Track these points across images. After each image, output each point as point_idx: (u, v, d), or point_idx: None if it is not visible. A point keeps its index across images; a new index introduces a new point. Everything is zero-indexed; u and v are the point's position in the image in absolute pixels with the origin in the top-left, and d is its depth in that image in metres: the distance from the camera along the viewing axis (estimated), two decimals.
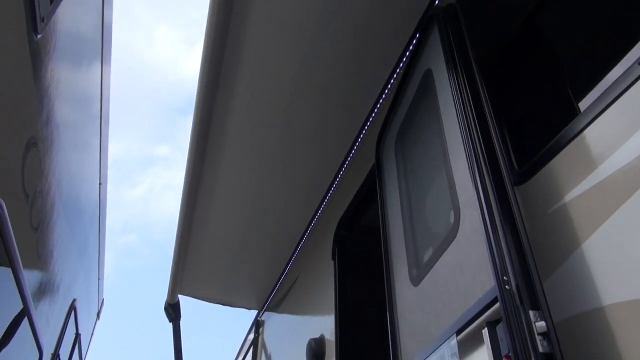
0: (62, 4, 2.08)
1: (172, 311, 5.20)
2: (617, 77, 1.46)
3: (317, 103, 3.29)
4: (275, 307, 5.23)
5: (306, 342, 3.57)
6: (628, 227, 1.31)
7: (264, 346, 5.41)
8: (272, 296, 5.34)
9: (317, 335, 3.54)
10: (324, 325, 3.52)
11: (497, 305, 1.42)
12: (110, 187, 4.15)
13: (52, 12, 1.70)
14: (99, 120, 3.64)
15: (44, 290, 2.52)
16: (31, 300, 2.27)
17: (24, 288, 2.08)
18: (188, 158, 3.37)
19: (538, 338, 1.26)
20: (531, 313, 1.30)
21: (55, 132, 2.37)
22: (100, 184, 3.46)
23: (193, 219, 4.01)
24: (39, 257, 2.21)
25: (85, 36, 2.93)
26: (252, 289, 5.52)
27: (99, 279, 4.60)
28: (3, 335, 2.09)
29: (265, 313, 5.62)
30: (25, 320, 2.31)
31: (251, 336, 5.85)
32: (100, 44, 3.37)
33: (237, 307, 5.97)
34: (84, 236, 3.32)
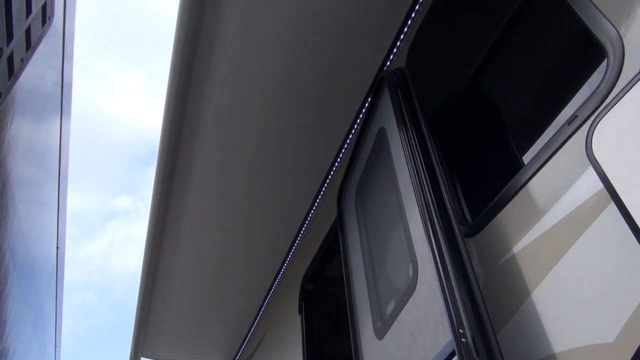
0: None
1: None
2: (552, 135, 1.58)
3: (279, 159, 3.37)
4: None
5: None
6: (572, 274, 1.39)
7: None
8: (240, 354, 5.19)
9: None
10: None
11: (455, 358, 1.45)
12: (68, 243, 4.04)
13: (10, 87, 1.72)
14: (57, 176, 3.58)
15: None
16: None
17: None
18: (151, 212, 3.35)
19: None
20: None
21: (10, 194, 2.33)
22: (57, 247, 3.37)
23: (156, 275, 3.93)
24: None
25: (45, 93, 2.95)
26: (219, 347, 5.36)
27: (55, 345, 4.38)
28: None
29: None
30: None
31: None
32: (60, 100, 3.38)
33: None
34: (39, 304, 3.19)
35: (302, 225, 3.83)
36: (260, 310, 4.61)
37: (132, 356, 4.87)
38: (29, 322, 2.92)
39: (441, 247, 1.67)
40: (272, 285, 4.35)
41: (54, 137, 3.43)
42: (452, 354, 1.47)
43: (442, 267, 1.62)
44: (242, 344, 5.07)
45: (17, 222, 2.26)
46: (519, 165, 2.15)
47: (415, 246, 1.92)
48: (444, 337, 1.56)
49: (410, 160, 1.97)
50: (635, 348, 1.18)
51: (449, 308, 1.51)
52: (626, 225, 1.22)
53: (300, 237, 3.90)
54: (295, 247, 3.98)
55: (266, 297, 4.47)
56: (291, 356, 3.57)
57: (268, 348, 4.31)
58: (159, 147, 3.02)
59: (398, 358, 1.91)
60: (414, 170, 1.93)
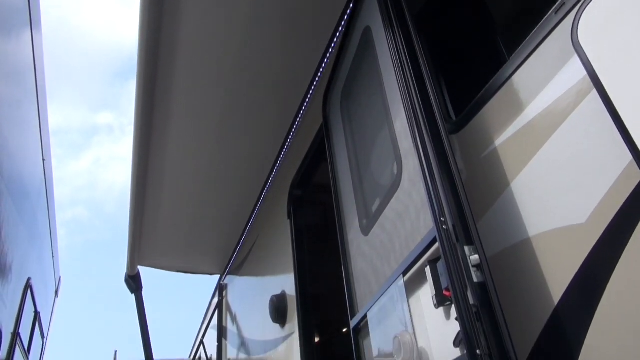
0: None
1: (133, 283, 5.19)
2: (538, 26, 1.56)
3: (263, 66, 3.29)
4: (236, 270, 5.33)
5: (269, 299, 3.70)
6: (549, 163, 1.44)
7: (228, 308, 5.53)
8: (233, 260, 5.42)
9: (278, 292, 3.67)
10: (285, 281, 3.65)
11: (436, 244, 1.54)
12: (53, 162, 4.02)
13: None
14: (35, 93, 3.49)
15: None
16: None
17: None
18: (135, 127, 3.32)
19: (473, 270, 1.39)
20: (466, 248, 1.42)
21: None
22: (44, 160, 3.35)
23: (146, 188, 3.98)
24: None
25: (11, 6, 2.78)
26: (213, 255, 5.57)
27: (53, 256, 4.51)
28: None
29: (228, 276, 5.71)
30: None
31: (215, 300, 5.95)
32: (28, 12, 3.20)
33: (199, 273, 6.03)
34: (32, 215, 3.25)
35: (289, 132, 3.84)
36: (251, 217, 4.75)
37: (128, 266, 5.04)
38: (25, 232, 2.99)
39: (425, 144, 1.70)
40: (261, 193, 4.44)
41: (26, 52, 3.28)
42: (434, 241, 1.56)
43: (426, 162, 1.66)
44: (235, 249, 5.27)
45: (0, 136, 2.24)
46: (505, 61, 2.14)
47: (400, 144, 1.96)
48: (426, 227, 1.64)
49: (396, 58, 1.94)
50: (604, 227, 1.25)
51: (432, 199, 1.57)
52: (606, 112, 1.24)
53: (287, 145, 3.92)
54: (283, 154, 4.02)
55: (256, 204, 4.58)
56: (282, 259, 3.74)
57: (260, 252, 4.50)
58: (138, 57, 2.91)
59: (383, 250, 2.02)
60: (399, 68, 1.91)
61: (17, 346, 3.20)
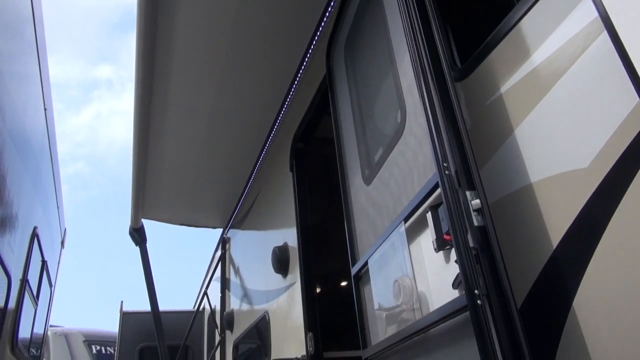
0: None
1: (137, 235, 5.27)
2: None
3: (265, 17, 3.21)
4: (239, 223, 5.39)
5: (271, 250, 3.76)
6: (554, 109, 1.43)
7: (231, 260, 5.63)
8: (236, 213, 5.47)
9: (280, 243, 3.72)
10: (287, 233, 3.70)
11: (438, 190, 1.55)
12: (53, 116, 3.99)
13: None
14: (34, 44, 3.43)
15: (1, 218, 2.52)
16: None
17: None
18: (136, 81, 3.28)
19: (473, 214, 1.40)
20: (468, 193, 1.43)
21: None
22: (45, 109, 3.33)
23: (148, 142, 3.97)
24: None
25: None
26: (215, 208, 5.63)
27: (57, 207, 4.57)
28: None
29: (231, 230, 5.78)
30: None
31: (218, 253, 6.05)
32: None
33: (202, 226, 6.11)
34: (36, 165, 3.26)
35: (291, 85, 3.80)
36: (253, 170, 4.76)
37: (132, 219, 5.10)
38: (29, 182, 3.00)
39: (430, 91, 1.68)
40: (264, 146, 4.43)
41: (24, 3, 3.20)
42: (436, 187, 1.57)
43: (430, 109, 1.65)
44: (238, 203, 5.32)
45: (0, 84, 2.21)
46: (513, 5, 2.08)
47: (404, 92, 1.94)
48: (429, 174, 1.64)
49: (402, 4, 1.89)
50: (607, 171, 1.26)
51: (435, 145, 1.57)
52: (616, 55, 1.22)
53: (290, 97, 3.88)
54: (286, 107, 3.99)
55: (258, 157, 4.59)
56: (284, 212, 3.78)
57: (262, 206, 4.54)
58: (137, 9, 2.83)
59: (385, 198, 2.03)
60: (405, 14, 1.86)
61: (26, 292, 3.29)
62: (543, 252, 1.39)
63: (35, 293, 3.69)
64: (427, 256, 1.68)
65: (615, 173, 1.23)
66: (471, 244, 1.37)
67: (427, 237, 1.65)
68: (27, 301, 3.41)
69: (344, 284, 5.51)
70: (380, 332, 2.02)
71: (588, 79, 1.33)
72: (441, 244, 1.53)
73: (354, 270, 2.29)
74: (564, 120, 1.40)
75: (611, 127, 1.25)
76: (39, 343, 4.52)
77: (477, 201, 1.42)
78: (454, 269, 1.50)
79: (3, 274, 2.62)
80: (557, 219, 1.38)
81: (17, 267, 2.98)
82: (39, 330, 4.30)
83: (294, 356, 3.18)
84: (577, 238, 1.33)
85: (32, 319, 3.79)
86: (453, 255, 1.51)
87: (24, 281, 3.16)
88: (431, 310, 1.60)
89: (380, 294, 1.99)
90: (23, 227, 3.03)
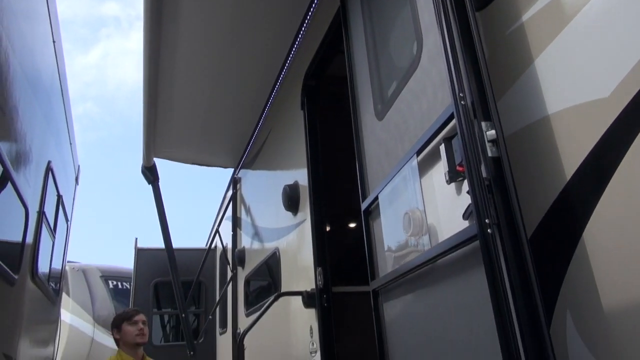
0: None
1: (150, 174, 5.32)
2: None
3: None
4: (250, 163, 5.41)
5: (281, 189, 3.79)
6: (577, 37, 1.37)
7: (242, 200, 5.70)
8: (247, 152, 5.48)
9: (291, 182, 3.75)
10: (297, 172, 3.71)
11: (453, 121, 1.52)
12: None
13: None
14: None
15: (16, 150, 2.55)
16: (7, 160, 2.31)
17: None
18: (144, 19, 3.18)
19: (488, 145, 1.39)
20: (483, 124, 1.41)
21: None
22: (54, 41, 3.27)
23: (158, 81, 3.93)
24: (4, 113, 2.20)
25: None
26: (227, 148, 5.64)
27: (70, 143, 4.60)
28: None
29: (242, 170, 5.82)
30: (7, 182, 2.37)
31: (229, 193, 6.12)
32: None
33: (213, 166, 6.14)
34: (47, 97, 3.25)
35: (303, 21, 3.68)
36: (264, 109, 4.72)
37: (144, 157, 5.13)
38: (41, 115, 2.99)
39: (450, 20, 1.62)
40: (275, 84, 4.37)
41: None
42: (451, 118, 1.54)
43: (449, 38, 1.60)
44: (249, 142, 5.32)
45: (7, 18, 2.16)
46: None
47: (422, 22, 1.87)
48: (444, 105, 1.61)
49: None
50: (628, 101, 1.22)
51: (452, 75, 1.53)
52: None
53: (301, 34, 3.78)
54: (297, 44, 3.89)
55: (269, 96, 4.53)
56: (295, 150, 3.77)
57: (273, 145, 4.53)
58: None
59: (397, 133, 2.01)
60: None
61: (43, 225, 3.38)
62: (556, 184, 1.38)
63: (52, 226, 3.79)
64: (438, 189, 1.68)
65: (635, 104, 1.19)
66: (484, 175, 1.36)
67: (439, 170, 1.65)
68: (45, 234, 3.51)
69: (353, 222, 5.59)
70: (388, 264, 2.06)
71: (612, 6, 1.26)
72: (453, 176, 1.52)
73: (364, 205, 2.31)
74: (586, 49, 1.34)
75: (635, 56, 1.20)
76: (57, 276, 4.70)
77: (493, 132, 1.39)
78: (464, 201, 1.50)
79: (20, 205, 2.68)
80: (573, 151, 1.36)
81: (34, 199, 3.04)
82: (57, 263, 4.45)
83: (303, 290, 3.27)
84: (591, 170, 1.31)
85: (50, 251, 3.92)
86: (465, 187, 1.50)
87: (41, 213, 3.23)
88: (440, 241, 1.61)
89: (390, 228, 2.01)
90: (37, 161, 3.07)
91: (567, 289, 1.32)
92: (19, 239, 2.79)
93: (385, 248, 2.08)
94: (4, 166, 2.24)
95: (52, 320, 4.56)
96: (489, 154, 1.37)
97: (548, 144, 1.42)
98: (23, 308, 2.99)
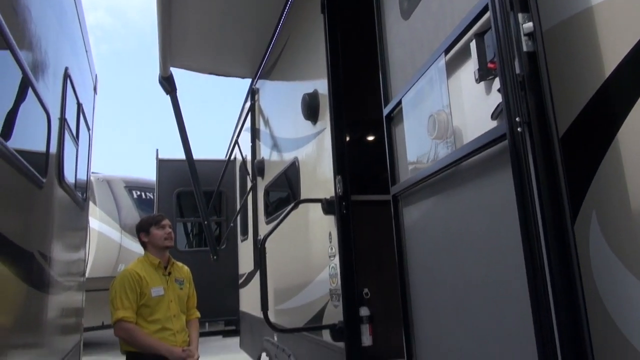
0: None
1: (167, 84, 5.26)
2: None
3: None
4: (268, 73, 5.29)
5: (300, 98, 3.72)
6: None
7: (260, 111, 5.65)
8: (265, 61, 5.34)
9: (310, 91, 3.66)
10: (317, 80, 3.61)
11: (487, 14, 1.42)
12: None
13: None
14: None
15: (32, 54, 2.50)
16: (26, 64, 2.27)
17: (17, 52, 2.06)
18: None
19: (524, 39, 1.30)
20: (520, 15, 1.31)
21: None
22: None
23: None
24: (15, 12, 2.13)
25: None
26: (244, 57, 5.50)
27: (86, 51, 4.52)
28: (13, 104, 2.16)
29: (260, 80, 5.71)
30: (28, 87, 2.35)
31: (248, 104, 6.06)
32: None
33: (231, 76, 6.04)
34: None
35: None
36: (282, 14, 4.52)
37: (161, 67, 5.05)
38: (54, 18, 2.89)
39: None
40: None
41: None
42: (484, 10, 1.44)
43: None
44: (266, 51, 5.16)
45: None
46: None
47: None
48: None
49: None
50: None
51: None
52: None
53: None
54: None
55: (287, 1, 4.32)
56: (314, 57, 3.65)
57: (291, 52, 4.39)
58: None
59: (424, 31, 1.91)
60: None
61: (66, 131, 3.41)
62: (593, 82, 1.31)
63: (74, 133, 3.83)
64: (466, 89, 1.61)
65: None
66: (517, 71, 1.29)
67: (469, 69, 1.57)
68: (68, 141, 3.56)
69: (373, 131, 5.53)
70: (410, 169, 2.04)
71: None
72: (484, 74, 1.45)
73: (386, 111, 2.25)
74: None
75: None
76: (84, 184, 4.83)
77: (529, 25, 1.30)
78: (494, 100, 1.44)
79: (42, 111, 2.68)
80: (614, 47, 1.27)
81: (54, 105, 3.04)
82: (82, 171, 4.56)
83: (322, 198, 3.32)
84: (632, 68, 1.23)
85: (75, 159, 3.99)
86: (495, 85, 1.44)
87: (63, 120, 3.25)
88: (465, 143, 1.58)
89: (413, 132, 1.97)
90: (54, 66, 3.03)
91: (595, 190, 1.30)
92: (43, 144, 2.83)
93: (408, 153, 2.05)
94: (23, 70, 2.21)
95: (82, 226, 4.76)
96: (524, 49, 1.29)
97: (588, 39, 1.33)
98: (53, 211, 3.10)
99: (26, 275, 2.44)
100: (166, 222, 3.46)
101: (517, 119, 1.26)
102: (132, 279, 3.16)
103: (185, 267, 3.62)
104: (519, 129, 1.26)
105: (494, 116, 1.41)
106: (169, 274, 3.40)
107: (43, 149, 2.79)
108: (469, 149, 1.51)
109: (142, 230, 3.44)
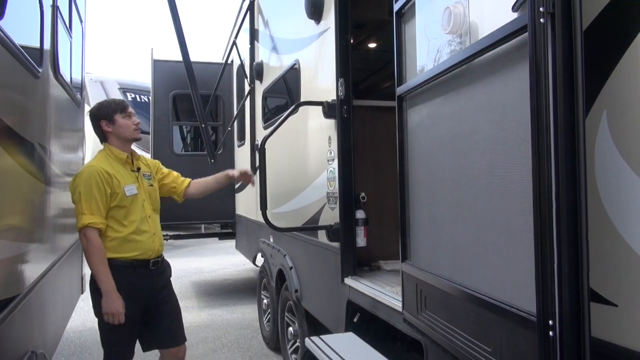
0: None
1: None
2: None
3: None
4: None
5: None
6: None
7: (260, 10, 5.40)
8: None
9: None
10: None
11: None
12: None
13: None
14: None
15: None
16: None
17: None
18: None
19: None
20: None
21: None
22: None
23: None
24: None
25: None
26: None
27: None
28: None
29: None
30: None
31: (247, 2, 5.77)
32: None
33: None
34: None
35: None
36: None
37: None
38: None
39: None
40: None
41: None
42: None
43: None
44: None
45: None
46: None
47: None
48: None
49: None
50: None
51: None
52: None
53: None
54: None
55: None
56: None
57: None
58: None
59: None
60: None
61: (58, 20, 3.26)
62: None
63: (67, 24, 3.67)
64: None
65: None
66: None
67: None
68: (62, 31, 3.41)
69: (378, 34, 5.34)
70: (419, 69, 2.00)
71: None
72: None
73: (397, 6, 2.16)
74: None
75: None
76: (79, 79, 4.71)
77: None
78: None
79: None
80: None
81: None
82: (77, 65, 4.41)
83: (324, 101, 3.27)
84: None
85: (69, 51, 3.85)
86: None
87: (55, 7, 3.09)
88: (481, 38, 1.53)
89: (425, 28, 1.90)
90: None
91: (609, 89, 1.28)
92: (37, 32, 2.71)
93: (417, 51, 1.99)
94: None
95: (79, 126, 4.68)
96: None
97: None
98: (50, 103, 3.04)
99: (28, 165, 2.44)
100: (132, 110, 2.92)
101: (540, 9, 1.21)
102: (100, 178, 2.62)
103: (150, 158, 3.14)
104: (541, 20, 1.21)
105: (515, 7, 1.35)
106: (138, 169, 2.88)
107: (37, 38, 2.68)
108: (485, 44, 1.46)
109: (102, 118, 2.79)
